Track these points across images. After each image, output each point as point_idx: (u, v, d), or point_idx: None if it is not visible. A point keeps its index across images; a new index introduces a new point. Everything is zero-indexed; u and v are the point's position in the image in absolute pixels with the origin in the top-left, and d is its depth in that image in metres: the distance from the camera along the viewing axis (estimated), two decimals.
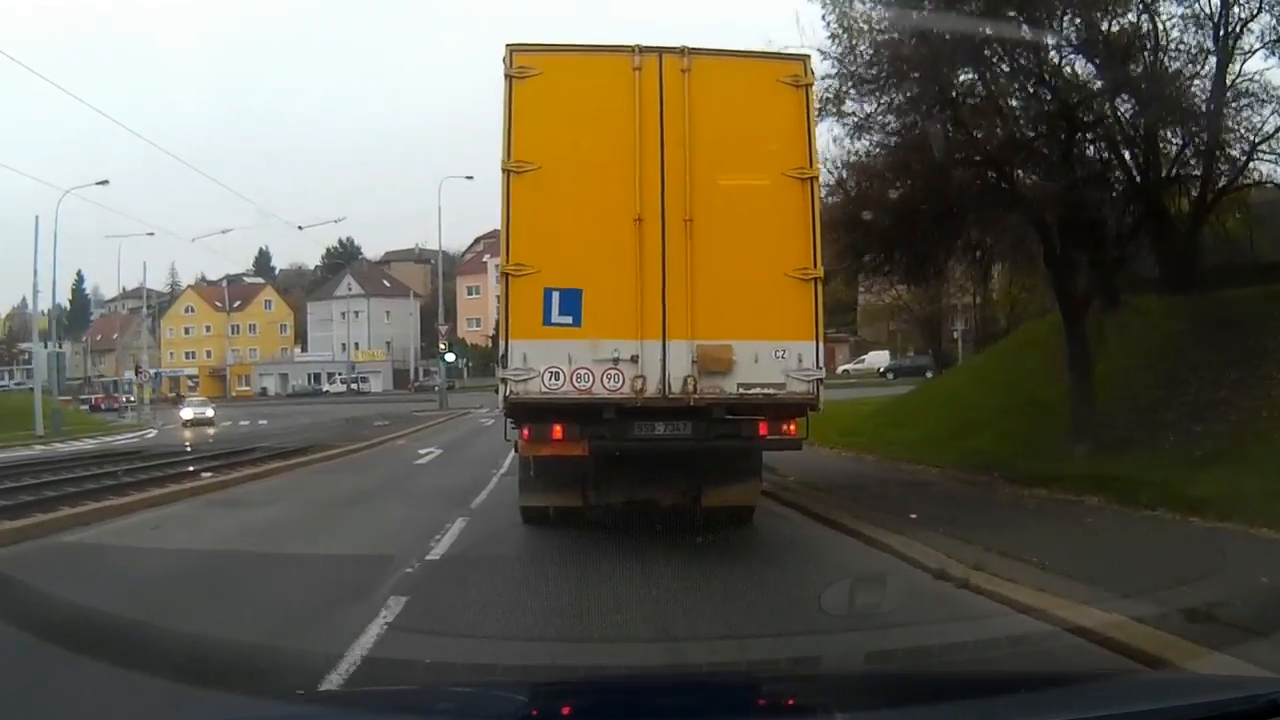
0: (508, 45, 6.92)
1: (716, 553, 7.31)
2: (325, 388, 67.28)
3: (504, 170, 6.84)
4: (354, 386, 65.32)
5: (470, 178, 33.09)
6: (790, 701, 2.71)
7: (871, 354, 50.38)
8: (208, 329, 75.69)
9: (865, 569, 6.47)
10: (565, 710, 2.64)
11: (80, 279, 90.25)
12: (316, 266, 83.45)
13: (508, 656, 4.76)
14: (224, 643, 4.63)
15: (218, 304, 75.06)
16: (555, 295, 6.80)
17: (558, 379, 6.78)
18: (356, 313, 73.00)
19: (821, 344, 7.15)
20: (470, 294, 75.05)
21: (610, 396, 6.79)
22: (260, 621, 5.23)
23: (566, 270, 6.85)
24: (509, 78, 6.86)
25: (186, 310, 78.85)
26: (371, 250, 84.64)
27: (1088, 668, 4.10)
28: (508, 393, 6.87)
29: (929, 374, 38.80)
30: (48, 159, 78.49)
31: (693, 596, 5.83)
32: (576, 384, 6.79)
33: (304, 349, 76.33)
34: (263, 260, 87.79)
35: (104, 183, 32.12)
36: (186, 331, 74.78)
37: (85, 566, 7.22)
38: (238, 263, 76.75)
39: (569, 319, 6.80)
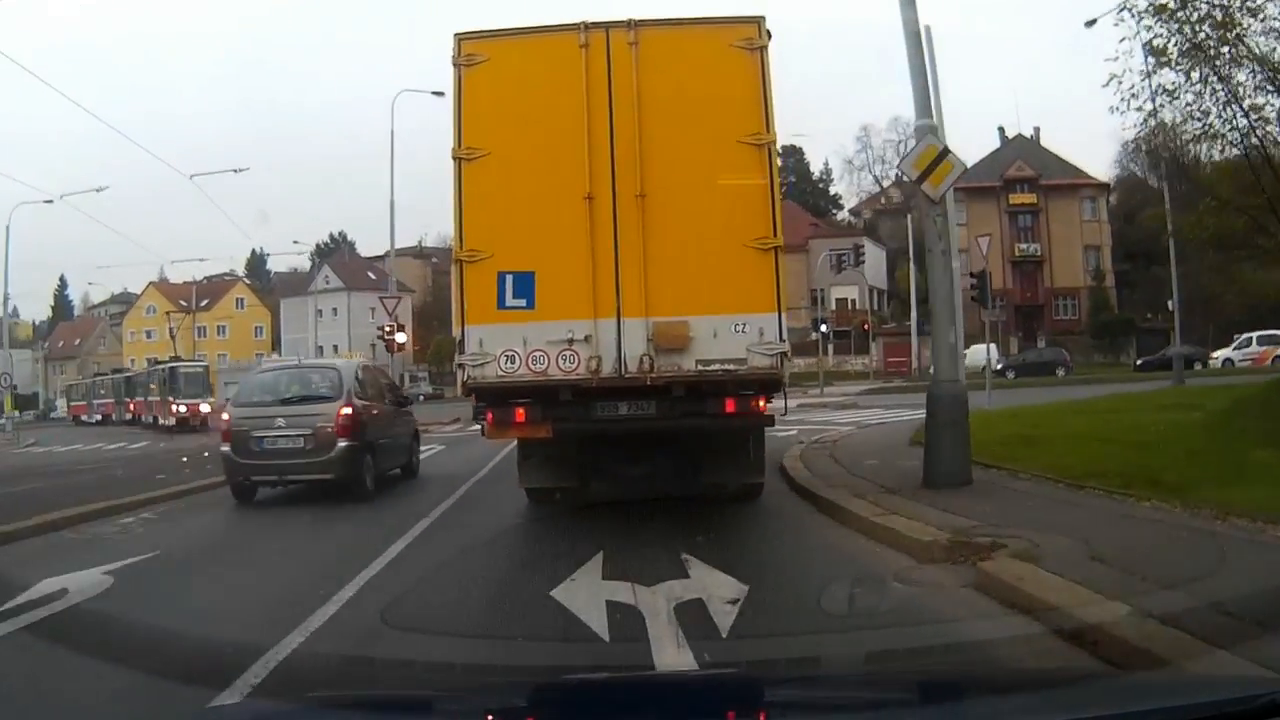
0: (455, 34, 7.97)
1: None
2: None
3: (454, 158, 7.90)
4: None
5: (440, 94, 31.61)
6: (789, 702, 2.92)
7: (974, 348, 47.63)
8: (171, 331, 76.64)
9: None
10: (563, 710, 2.89)
11: (63, 284, 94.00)
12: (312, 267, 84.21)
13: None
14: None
15: (182, 302, 75.26)
16: (509, 279, 7.80)
17: (513, 362, 7.82)
18: (335, 310, 71.90)
19: (784, 315, 7.86)
20: None
21: (565, 378, 7.81)
22: None
23: (519, 253, 7.84)
24: (457, 66, 7.92)
25: (148, 310, 79.88)
26: (371, 248, 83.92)
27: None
28: (465, 378, 7.96)
29: (1061, 371, 38.09)
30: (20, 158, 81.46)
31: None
32: (532, 366, 7.81)
33: (281, 354, 76.86)
34: (257, 263, 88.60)
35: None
36: (148, 335, 75.74)
37: None
38: (224, 264, 78.03)
39: (523, 302, 7.79)
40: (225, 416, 12.24)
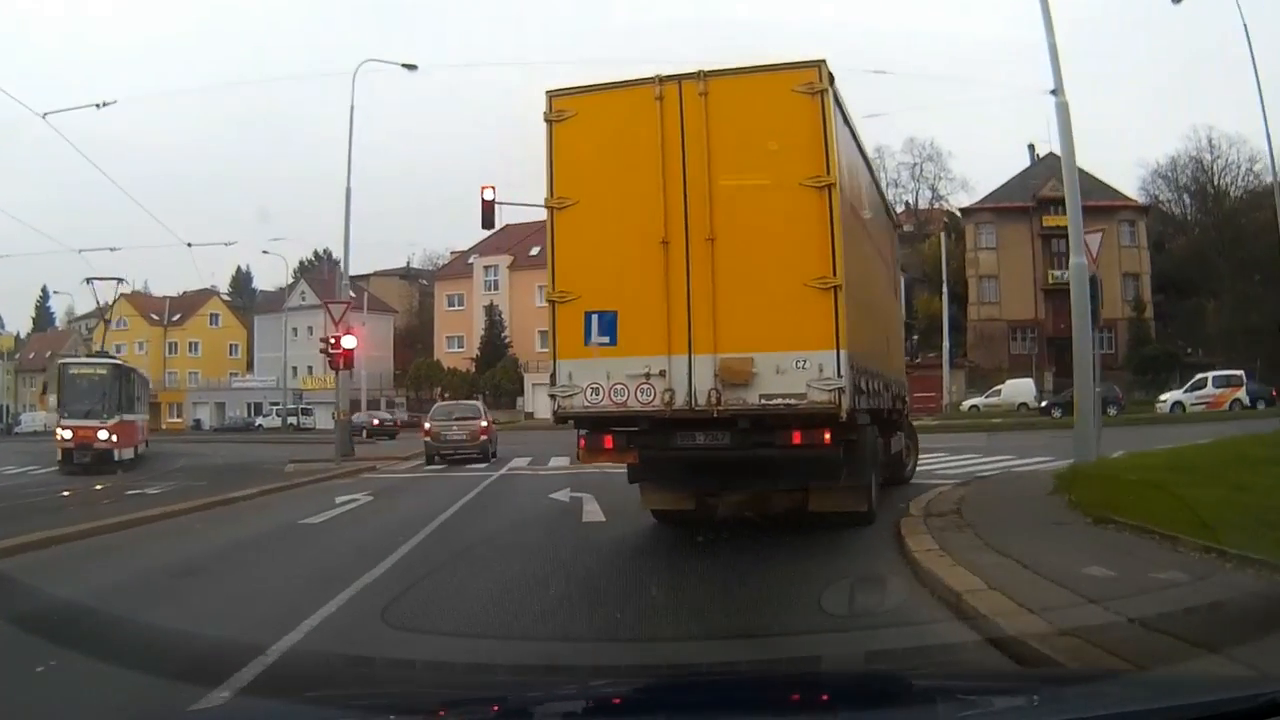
0: (547, 91, 9.27)
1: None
2: (258, 421, 66.73)
3: (547, 207, 9.27)
4: (293, 420, 63.48)
5: (413, 67, 29.02)
6: (790, 701, 3.12)
7: (1010, 383, 48.14)
8: (141, 346, 76.00)
9: None
10: (563, 710, 3.15)
11: (45, 295, 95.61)
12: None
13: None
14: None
15: (154, 316, 76.19)
16: (594, 318, 9.09)
17: (598, 394, 9.12)
18: (310, 328, 69.25)
19: (844, 352, 8.56)
20: (451, 305, 73.19)
21: (643, 409, 9.06)
22: None
23: (603, 294, 9.12)
24: (549, 122, 9.23)
25: (118, 323, 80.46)
26: (356, 267, 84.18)
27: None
28: (555, 407, 9.35)
29: (1112, 409, 35.26)
30: None
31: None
32: (613, 398, 9.09)
33: (255, 373, 77.03)
34: (242, 281, 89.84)
35: None
36: (118, 349, 76.48)
37: None
38: (205, 280, 78.75)
39: (606, 339, 9.08)
40: (429, 425, 26.57)
